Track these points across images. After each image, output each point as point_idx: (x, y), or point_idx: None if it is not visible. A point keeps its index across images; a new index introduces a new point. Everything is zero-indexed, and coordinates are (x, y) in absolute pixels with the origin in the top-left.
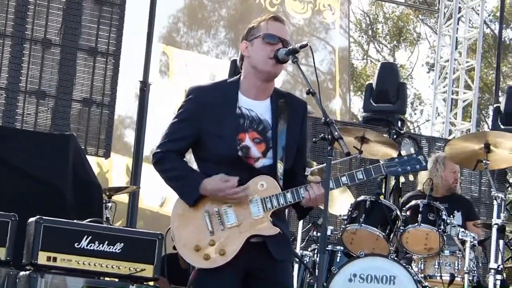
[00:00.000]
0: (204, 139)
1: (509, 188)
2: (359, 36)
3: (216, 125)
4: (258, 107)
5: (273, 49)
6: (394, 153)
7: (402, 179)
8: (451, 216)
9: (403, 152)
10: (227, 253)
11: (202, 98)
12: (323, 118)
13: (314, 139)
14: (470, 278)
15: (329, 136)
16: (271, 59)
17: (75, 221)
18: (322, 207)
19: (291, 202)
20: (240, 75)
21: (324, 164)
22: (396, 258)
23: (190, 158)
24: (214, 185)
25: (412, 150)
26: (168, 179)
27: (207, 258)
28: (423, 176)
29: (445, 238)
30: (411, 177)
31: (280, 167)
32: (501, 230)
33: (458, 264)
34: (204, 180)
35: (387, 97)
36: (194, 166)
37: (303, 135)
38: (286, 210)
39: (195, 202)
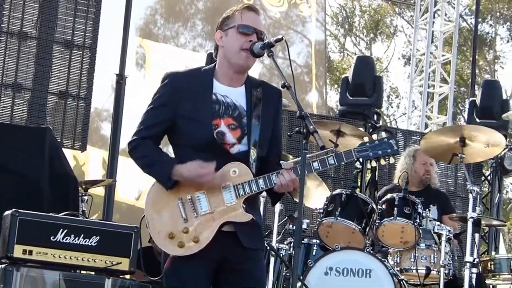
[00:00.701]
0: (180, 124)
1: (485, 182)
2: (335, 29)
3: (192, 110)
4: (233, 94)
5: (247, 39)
6: None
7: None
8: (427, 210)
9: None
10: (201, 240)
11: (178, 83)
12: (298, 111)
13: (289, 133)
14: (446, 272)
15: (304, 130)
16: (244, 51)
17: (51, 214)
18: (296, 199)
19: (263, 189)
20: (215, 63)
21: (299, 158)
22: (372, 252)
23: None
24: (191, 170)
25: (384, 135)
26: (143, 166)
27: (181, 246)
28: (398, 170)
29: (420, 232)
30: (391, 160)
31: (253, 153)
32: (477, 223)
33: (434, 257)
34: (177, 166)
35: (363, 91)
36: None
37: (277, 123)
38: (261, 200)
39: (172, 186)
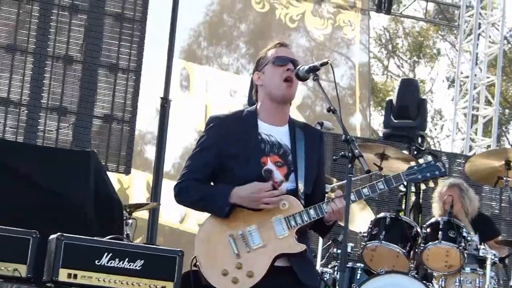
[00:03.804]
0: (228, 164)
1: None
2: (379, 52)
3: (239, 149)
4: (277, 133)
5: (284, 69)
6: None
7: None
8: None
9: None
10: (255, 274)
11: (223, 125)
12: (344, 135)
13: (334, 157)
14: None
15: (350, 154)
16: (284, 82)
17: (95, 238)
18: (341, 223)
19: (315, 218)
20: (256, 105)
21: (344, 181)
22: (416, 276)
23: None
24: (249, 188)
25: (429, 158)
26: (195, 202)
27: (235, 281)
28: (433, 207)
29: (465, 256)
30: (431, 184)
31: (301, 187)
32: None
33: (479, 281)
34: (235, 188)
35: (407, 113)
36: None
37: (321, 163)
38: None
39: (227, 213)
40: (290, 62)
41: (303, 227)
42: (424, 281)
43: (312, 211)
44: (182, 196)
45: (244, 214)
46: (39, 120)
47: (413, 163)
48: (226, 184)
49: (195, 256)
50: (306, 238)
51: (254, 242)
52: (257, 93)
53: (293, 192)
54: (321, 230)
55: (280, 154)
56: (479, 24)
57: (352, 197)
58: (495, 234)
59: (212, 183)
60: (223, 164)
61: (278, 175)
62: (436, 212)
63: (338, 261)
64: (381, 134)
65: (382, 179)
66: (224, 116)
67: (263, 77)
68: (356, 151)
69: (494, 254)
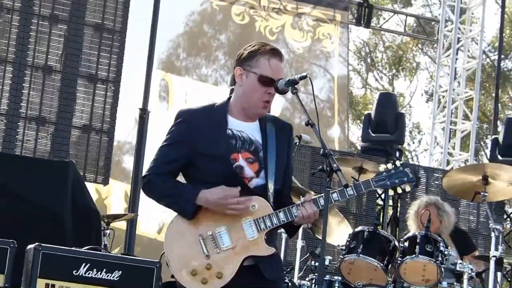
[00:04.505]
0: (197, 160)
1: (507, 220)
2: (358, 65)
3: (208, 146)
4: (248, 129)
5: (267, 91)
6: None
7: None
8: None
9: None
10: (224, 275)
11: (192, 121)
12: (322, 149)
13: (312, 171)
14: None
15: (328, 168)
16: (263, 102)
17: (73, 248)
18: (318, 236)
19: (284, 222)
20: (229, 98)
21: (322, 194)
22: None
23: None
24: (216, 193)
25: (398, 163)
26: (161, 198)
27: (205, 282)
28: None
29: (442, 270)
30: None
31: (271, 187)
32: (499, 262)
33: None
34: (203, 191)
35: (385, 127)
36: None
37: (289, 157)
38: (283, 236)
39: (193, 214)
40: (274, 86)
41: (273, 229)
42: None
43: (281, 214)
44: (150, 189)
45: (213, 214)
46: (17, 130)
47: (382, 168)
48: (195, 180)
49: (163, 253)
50: (272, 239)
51: (224, 243)
52: (234, 83)
53: (263, 189)
54: (289, 230)
55: (252, 151)
56: (458, 38)
57: (321, 201)
58: (471, 249)
59: (183, 177)
60: (192, 161)
61: (249, 171)
62: (413, 229)
63: (316, 274)
64: (359, 148)
65: (351, 184)
66: (193, 110)
67: (244, 79)
68: (334, 165)
69: (471, 269)
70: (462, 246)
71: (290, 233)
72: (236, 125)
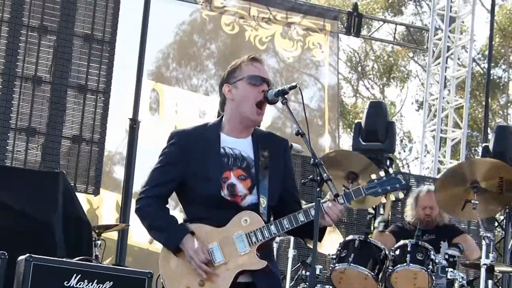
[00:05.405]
0: (189, 182)
1: (498, 228)
2: (349, 73)
3: (200, 167)
4: (240, 145)
5: (259, 90)
6: None
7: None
8: (439, 246)
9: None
10: None
11: (185, 142)
12: (312, 159)
13: (302, 181)
14: None
15: (318, 178)
16: (256, 107)
17: (64, 259)
18: (309, 245)
19: (275, 234)
20: (222, 117)
21: (313, 203)
22: None
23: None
24: (192, 246)
25: (390, 171)
26: (150, 229)
27: None
28: (407, 208)
29: (433, 278)
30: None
31: (263, 201)
32: (490, 270)
33: None
34: (187, 236)
35: (376, 136)
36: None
37: (288, 172)
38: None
39: (176, 251)
40: (265, 83)
41: (265, 242)
42: None
43: (272, 227)
44: (141, 216)
45: (206, 231)
46: (7, 141)
47: (373, 176)
48: (188, 201)
49: (159, 275)
50: (269, 256)
51: (216, 259)
52: (224, 104)
53: (256, 205)
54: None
55: (243, 168)
56: (448, 47)
57: (313, 212)
58: (460, 232)
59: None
60: (185, 182)
61: (241, 188)
62: (409, 217)
63: (307, 283)
64: None
65: (342, 194)
66: (186, 132)
67: (234, 92)
68: (325, 174)
69: (462, 277)
70: (451, 232)
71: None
72: (229, 142)
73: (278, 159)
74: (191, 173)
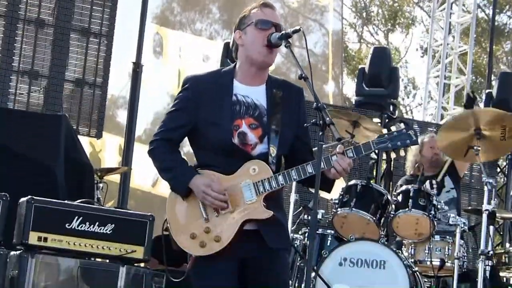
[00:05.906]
0: (201, 128)
1: (500, 174)
2: (354, 18)
3: (212, 113)
4: (253, 93)
5: (266, 34)
6: None
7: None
8: (444, 184)
9: None
10: (222, 239)
11: (198, 87)
12: (315, 103)
13: (305, 124)
14: (460, 264)
15: (321, 122)
16: (265, 47)
17: (66, 201)
18: (312, 190)
19: (283, 185)
20: (235, 64)
21: (315, 148)
22: (386, 243)
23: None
24: (203, 181)
25: (402, 126)
26: (160, 170)
27: (203, 245)
28: (408, 159)
29: (435, 223)
30: (402, 153)
31: (272, 151)
32: (492, 216)
33: (448, 249)
34: (196, 176)
35: (379, 82)
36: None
37: (302, 121)
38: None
39: (186, 194)
40: (273, 27)
41: (272, 192)
42: (394, 249)
43: (280, 178)
44: (153, 157)
45: (214, 177)
46: (10, 84)
47: (384, 131)
48: (199, 147)
49: (166, 219)
50: (279, 207)
51: None
52: (237, 51)
53: (266, 154)
54: (324, 187)
55: (255, 116)
56: None
57: (322, 165)
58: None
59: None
60: (196, 127)
61: (252, 137)
62: (411, 168)
63: (309, 228)
64: (353, 102)
65: (351, 147)
66: (199, 77)
67: (244, 37)
68: (327, 118)
69: (464, 223)
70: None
71: (326, 189)
72: (241, 89)
73: (292, 106)
74: (202, 119)
